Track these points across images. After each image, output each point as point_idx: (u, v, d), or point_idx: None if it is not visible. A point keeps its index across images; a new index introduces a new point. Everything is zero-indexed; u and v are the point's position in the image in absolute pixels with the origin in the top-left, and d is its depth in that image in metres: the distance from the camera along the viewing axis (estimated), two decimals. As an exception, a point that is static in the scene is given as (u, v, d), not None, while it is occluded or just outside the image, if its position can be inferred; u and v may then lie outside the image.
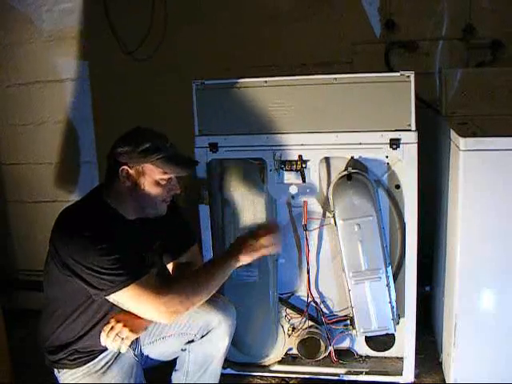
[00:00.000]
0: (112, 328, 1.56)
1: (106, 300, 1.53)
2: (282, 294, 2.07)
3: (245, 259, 1.62)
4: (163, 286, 1.52)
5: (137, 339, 1.67)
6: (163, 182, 1.57)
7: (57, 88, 2.83)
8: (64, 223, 1.53)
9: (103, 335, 1.56)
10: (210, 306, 1.66)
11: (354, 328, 1.96)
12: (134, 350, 1.67)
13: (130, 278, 1.46)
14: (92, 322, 1.57)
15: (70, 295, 1.53)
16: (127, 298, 1.48)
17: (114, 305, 1.56)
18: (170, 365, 1.75)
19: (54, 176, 2.95)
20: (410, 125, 1.76)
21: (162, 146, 1.55)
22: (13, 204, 3.04)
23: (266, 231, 1.66)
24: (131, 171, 1.54)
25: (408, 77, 1.74)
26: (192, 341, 1.67)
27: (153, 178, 1.55)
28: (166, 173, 1.56)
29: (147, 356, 1.73)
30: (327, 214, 1.95)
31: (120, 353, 1.60)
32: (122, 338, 1.55)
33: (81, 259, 1.44)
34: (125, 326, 1.55)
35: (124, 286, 1.45)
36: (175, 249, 1.80)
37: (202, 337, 1.66)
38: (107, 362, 1.62)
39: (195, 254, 1.83)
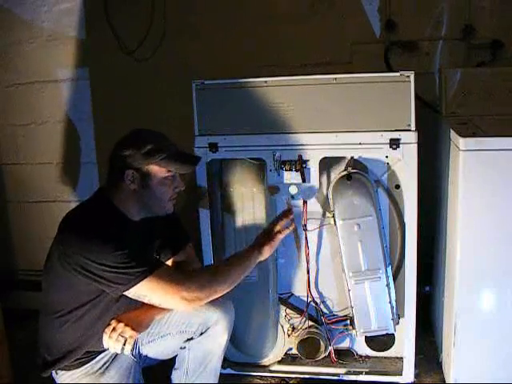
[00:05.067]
0: (114, 329, 1.55)
1: (111, 303, 1.54)
2: (281, 294, 2.07)
3: (267, 250, 1.71)
4: (181, 274, 1.57)
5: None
6: (168, 181, 1.59)
7: (57, 88, 2.84)
8: (74, 224, 1.53)
9: (105, 337, 1.55)
10: (208, 303, 1.64)
11: (353, 328, 1.96)
12: (132, 350, 1.67)
13: (147, 269, 1.47)
14: (94, 325, 1.56)
15: (72, 298, 1.53)
16: (147, 289, 1.48)
17: (117, 310, 1.57)
18: (169, 364, 1.75)
19: (53, 176, 2.95)
20: (409, 125, 1.76)
21: (163, 146, 1.57)
22: (13, 204, 3.04)
23: (278, 219, 1.79)
24: (137, 174, 1.55)
25: (408, 77, 1.73)
26: (191, 338, 1.67)
27: (158, 177, 1.57)
28: (170, 171, 1.58)
29: (146, 355, 1.73)
30: (327, 213, 1.95)
31: (118, 354, 1.59)
32: (126, 339, 1.54)
33: (96, 258, 1.44)
34: (126, 325, 1.55)
35: (142, 279, 1.46)
36: (172, 247, 1.82)
37: (201, 334, 1.66)
38: (105, 363, 1.62)
39: (190, 253, 1.86)
